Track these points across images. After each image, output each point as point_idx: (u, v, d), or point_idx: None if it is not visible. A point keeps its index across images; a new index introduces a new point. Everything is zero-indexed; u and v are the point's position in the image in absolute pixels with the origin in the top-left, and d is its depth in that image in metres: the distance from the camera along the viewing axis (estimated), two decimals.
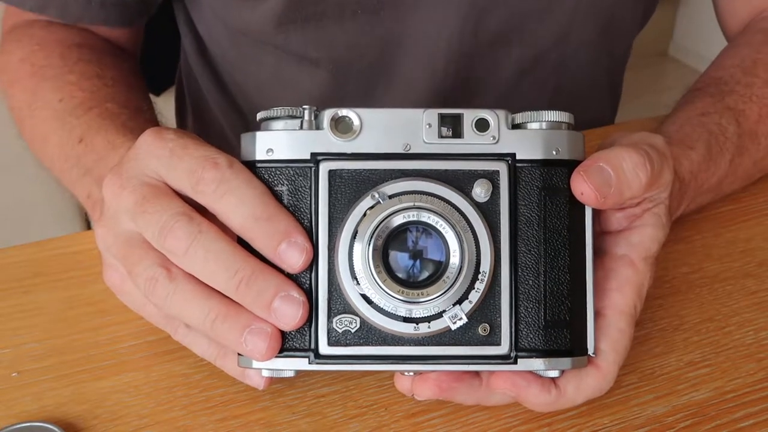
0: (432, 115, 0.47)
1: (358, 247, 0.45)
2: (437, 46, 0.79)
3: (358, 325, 0.46)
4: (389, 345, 0.46)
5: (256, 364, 0.47)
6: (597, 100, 0.94)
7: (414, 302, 0.45)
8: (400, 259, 0.46)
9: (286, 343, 0.46)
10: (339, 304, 0.46)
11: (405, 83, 0.82)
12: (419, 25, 0.78)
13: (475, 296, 0.45)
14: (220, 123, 0.94)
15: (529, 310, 0.47)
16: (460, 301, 0.45)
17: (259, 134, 0.47)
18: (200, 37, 0.89)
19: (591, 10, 0.81)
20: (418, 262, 0.46)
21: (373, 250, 0.45)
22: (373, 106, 0.47)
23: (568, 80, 0.86)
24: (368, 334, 0.46)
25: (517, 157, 0.47)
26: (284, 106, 0.47)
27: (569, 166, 0.47)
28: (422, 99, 0.82)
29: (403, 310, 0.45)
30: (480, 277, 0.45)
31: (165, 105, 1.01)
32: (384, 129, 0.46)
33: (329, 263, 0.46)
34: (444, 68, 0.80)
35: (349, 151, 0.46)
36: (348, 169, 0.46)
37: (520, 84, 0.84)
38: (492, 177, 0.46)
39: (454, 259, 0.45)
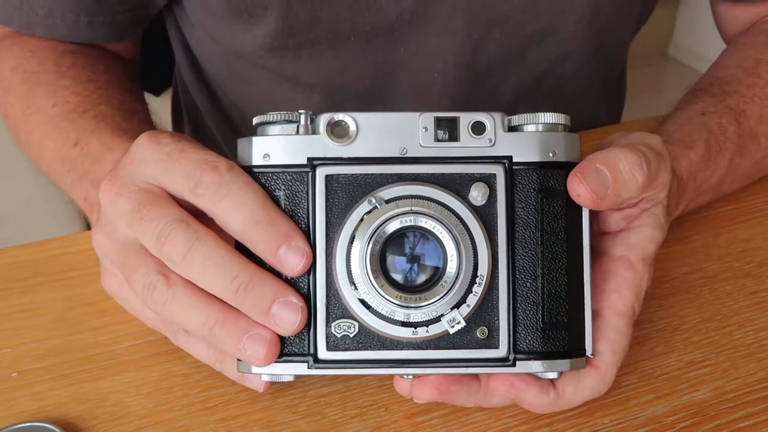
0: (428, 118, 0.46)
1: (356, 252, 0.45)
2: (432, 75, 0.77)
3: (357, 330, 0.46)
4: (388, 349, 0.46)
5: (255, 369, 0.47)
6: (593, 115, 0.92)
7: (412, 307, 0.45)
8: (397, 264, 0.45)
9: (285, 348, 0.46)
10: (337, 309, 0.46)
11: (400, 110, 0.80)
12: (413, 53, 0.76)
13: (472, 300, 0.45)
14: (215, 136, 0.94)
15: (527, 312, 0.47)
16: (458, 305, 0.45)
17: (255, 139, 0.47)
18: (193, 55, 0.88)
19: (589, 29, 0.78)
20: (415, 266, 0.46)
21: (371, 255, 0.45)
22: None
23: (565, 99, 0.85)
24: (367, 338, 0.46)
25: (514, 160, 0.46)
26: None
27: (566, 168, 0.47)
28: None
29: (401, 315, 0.45)
30: (477, 280, 0.45)
31: (160, 106, 1.01)
32: (380, 133, 0.46)
33: (327, 268, 0.46)
34: (440, 98, 0.79)
35: (345, 155, 0.46)
36: (345, 174, 0.46)
37: (517, 107, 0.81)
38: (489, 180, 0.46)
39: (452, 264, 0.45)
